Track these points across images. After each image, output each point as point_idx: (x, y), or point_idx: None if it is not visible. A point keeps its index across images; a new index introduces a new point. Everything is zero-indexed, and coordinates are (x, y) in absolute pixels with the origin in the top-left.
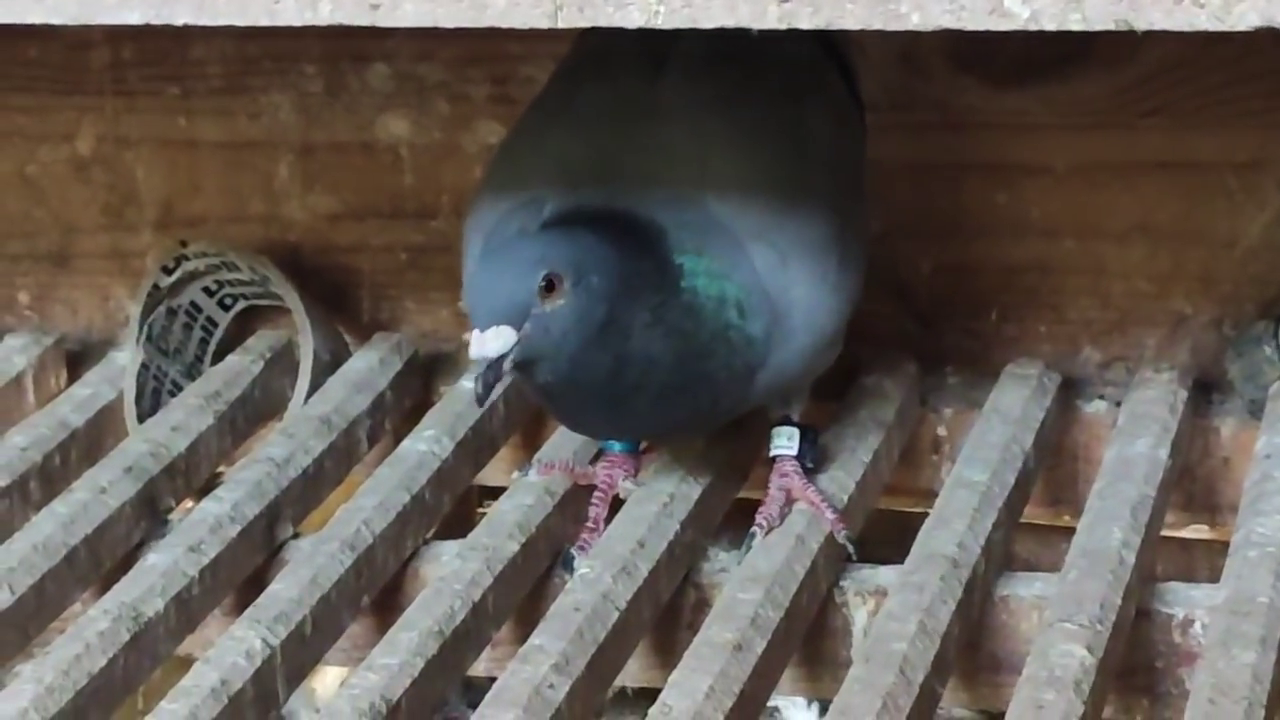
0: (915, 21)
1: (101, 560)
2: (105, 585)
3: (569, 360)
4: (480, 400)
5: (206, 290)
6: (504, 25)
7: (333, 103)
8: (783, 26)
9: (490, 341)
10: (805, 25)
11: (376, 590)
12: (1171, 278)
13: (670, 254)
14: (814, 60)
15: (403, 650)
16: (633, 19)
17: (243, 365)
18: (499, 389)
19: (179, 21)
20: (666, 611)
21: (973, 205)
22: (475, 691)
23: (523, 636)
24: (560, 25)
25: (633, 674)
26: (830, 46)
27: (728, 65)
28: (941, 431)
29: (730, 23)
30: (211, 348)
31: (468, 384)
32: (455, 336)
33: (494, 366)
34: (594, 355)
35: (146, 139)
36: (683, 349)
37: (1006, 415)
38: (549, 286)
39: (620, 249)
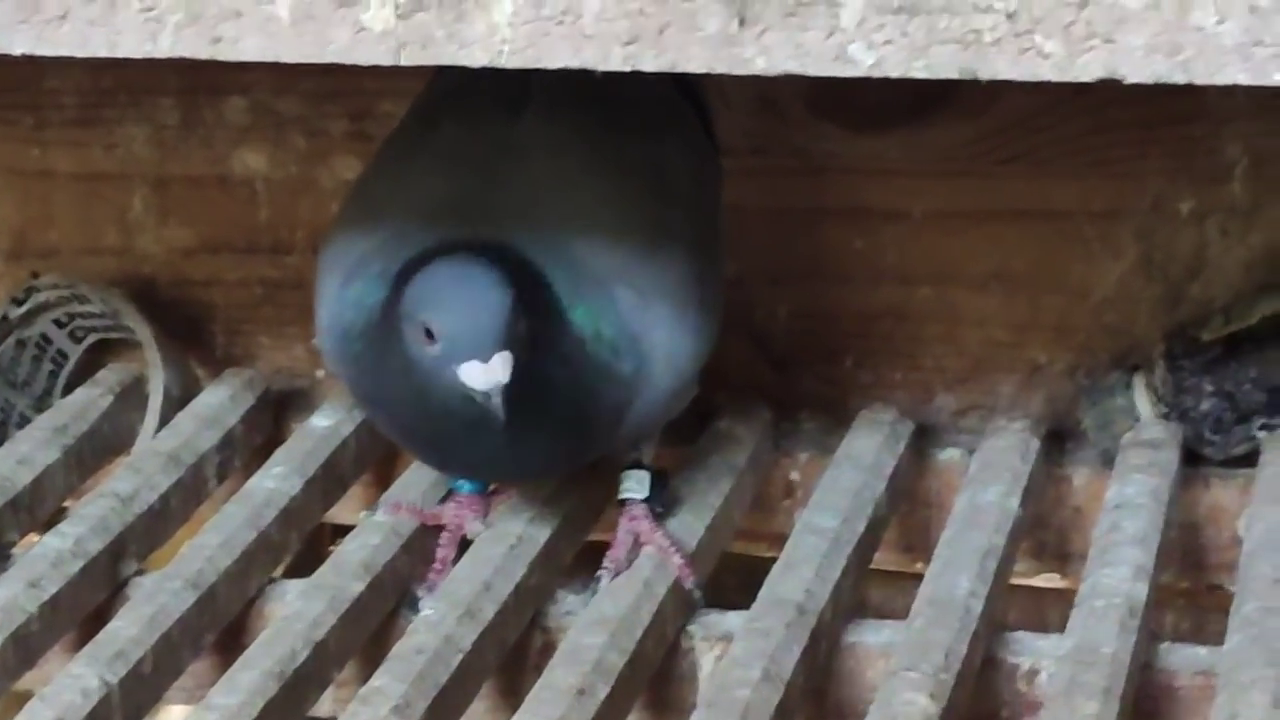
0: (760, 66)
1: None
2: None
3: (518, 388)
4: (502, 425)
5: (57, 322)
6: (346, 61)
7: (188, 135)
8: (627, 68)
9: (499, 369)
10: (649, 67)
11: (219, 629)
12: (1027, 326)
13: (552, 285)
14: (672, 100)
15: (242, 690)
16: (477, 58)
17: (91, 399)
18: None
19: (17, 51)
20: (512, 655)
21: (829, 250)
22: None
23: (366, 677)
24: (403, 63)
25: (476, 717)
26: (688, 88)
27: (588, 103)
28: (795, 477)
29: (575, 63)
30: (61, 380)
31: (320, 422)
32: (308, 372)
33: (505, 393)
34: (526, 385)
35: None
36: (573, 384)
37: (859, 461)
38: (516, 314)
39: (520, 277)
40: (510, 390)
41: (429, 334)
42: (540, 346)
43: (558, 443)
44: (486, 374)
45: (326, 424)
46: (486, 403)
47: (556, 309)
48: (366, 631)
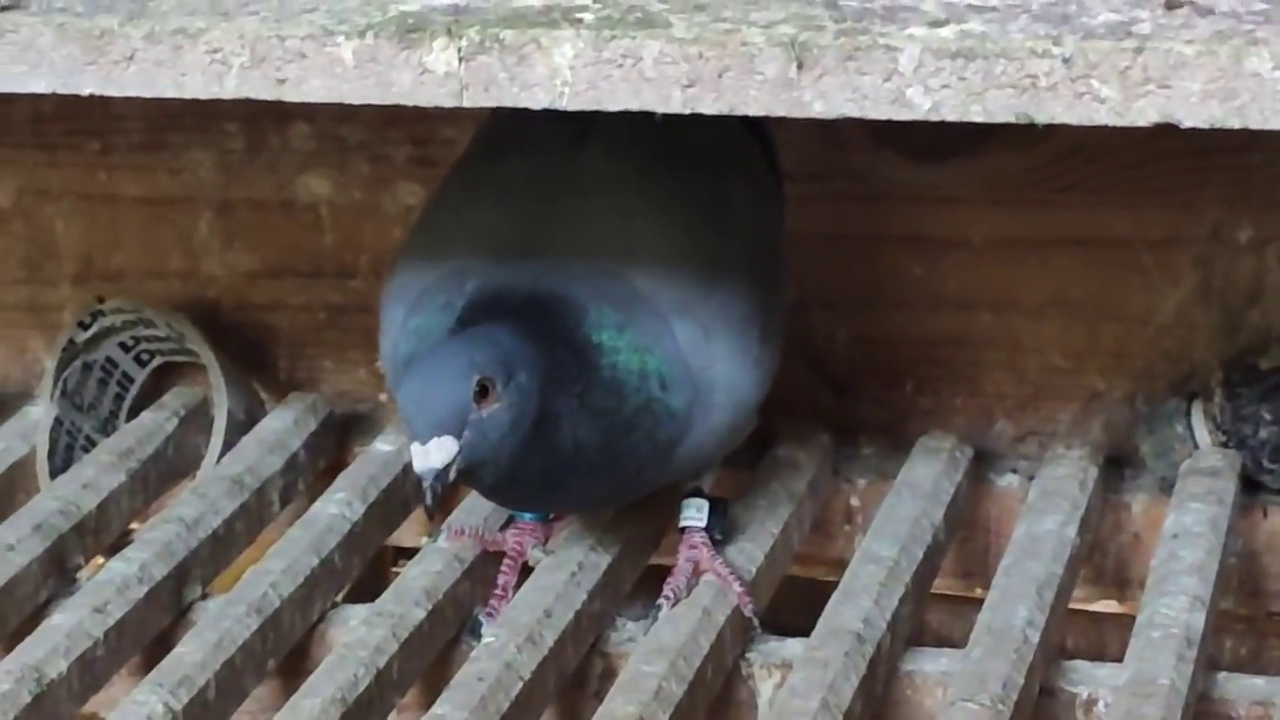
0: (818, 110)
1: (8, 619)
2: (11, 644)
3: (508, 459)
4: (431, 513)
5: (123, 346)
6: (409, 103)
7: (253, 160)
8: (687, 111)
9: (434, 453)
10: (709, 110)
11: (282, 654)
12: (1086, 353)
13: (589, 333)
14: (735, 132)
15: (305, 716)
16: (538, 100)
17: (157, 422)
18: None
19: (85, 91)
20: (572, 681)
21: (889, 277)
22: None
23: (427, 704)
24: (465, 105)
25: None
26: (749, 117)
27: (649, 137)
28: (854, 502)
29: (635, 105)
30: (127, 404)
31: (382, 446)
32: (372, 397)
33: (440, 476)
34: (529, 450)
35: (67, 193)
36: (608, 426)
37: (918, 489)
38: (483, 392)
39: (539, 340)
40: (449, 473)
41: None
42: (558, 398)
43: (598, 482)
44: (422, 457)
45: (389, 449)
46: (422, 484)
47: (591, 354)
48: (428, 658)
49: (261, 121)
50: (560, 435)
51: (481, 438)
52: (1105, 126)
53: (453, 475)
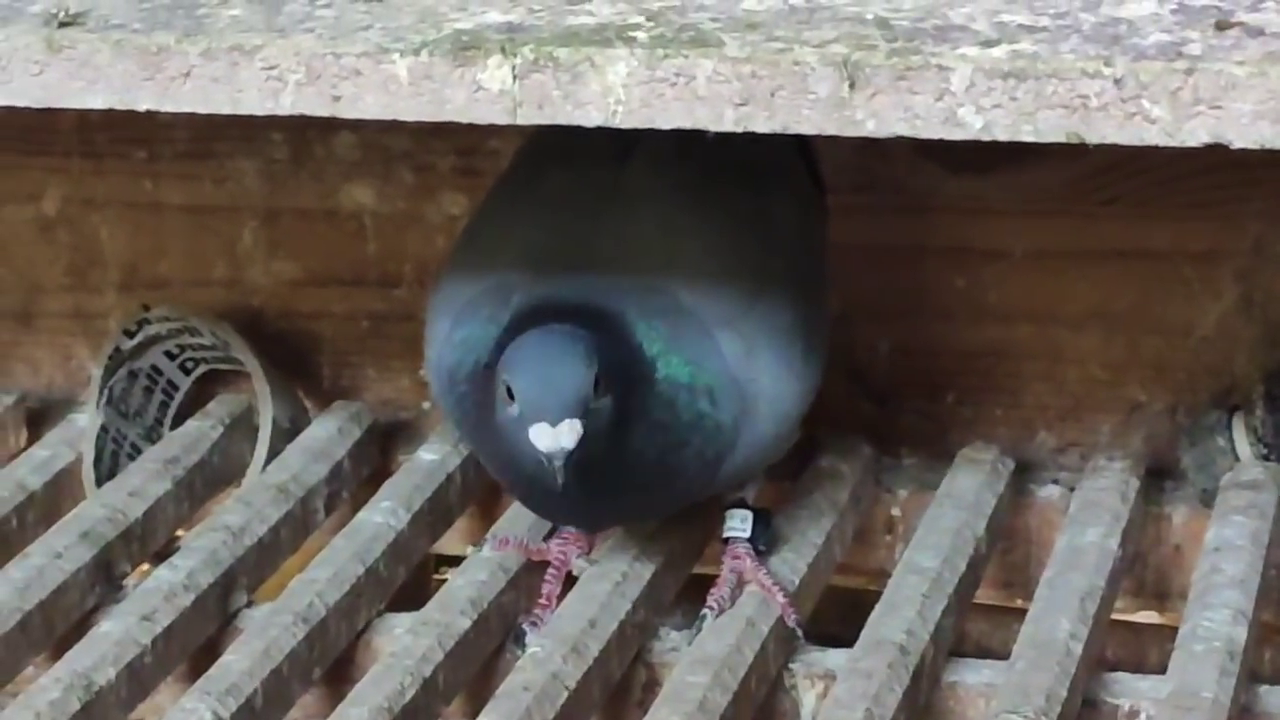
0: (870, 129)
1: (55, 626)
2: (59, 651)
3: (596, 453)
4: (564, 491)
5: (168, 354)
6: (463, 120)
7: (298, 170)
8: (739, 129)
9: (565, 435)
10: (761, 129)
11: (328, 663)
12: (1127, 365)
13: (641, 345)
14: (778, 146)
15: None
16: (591, 118)
17: (202, 430)
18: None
19: (142, 107)
20: (617, 691)
21: (931, 288)
22: None
23: (473, 713)
24: (519, 122)
25: None
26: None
27: (693, 151)
28: (896, 513)
29: (688, 124)
30: (172, 411)
31: (426, 455)
32: (415, 405)
33: (569, 457)
34: (606, 450)
35: (112, 201)
36: (663, 441)
37: (960, 500)
38: (596, 383)
39: (609, 344)
40: (572, 457)
41: (510, 394)
42: (624, 407)
43: (645, 495)
44: (553, 437)
45: (433, 457)
46: (550, 465)
47: (645, 368)
48: (474, 668)
49: (306, 131)
50: (621, 444)
51: (596, 427)
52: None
53: (572, 459)
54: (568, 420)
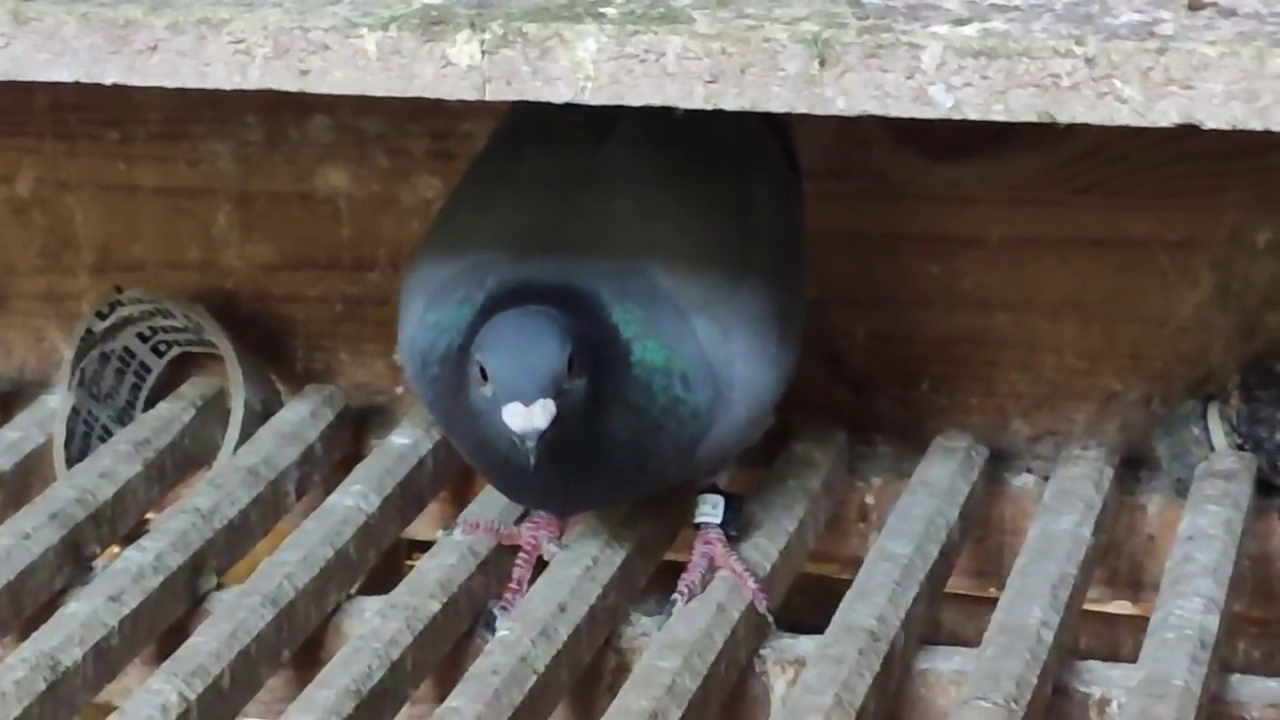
0: (840, 106)
1: (23, 606)
2: (25, 632)
3: (569, 435)
4: (533, 472)
5: (140, 336)
6: (431, 96)
7: (272, 152)
8: (709, 106)
9: (539, 415)
10: (731, 106)
11: (297, 645)
12: (1102, 354)
13: (617, 328)
14: (755, 131)
15: (319, 708)
16: (560, 94)
17: (174, 412)
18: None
19: (108, 81)
20: (586, 675)
21: (907, 275)
22: None
23: (441, 696)
24: (488, 98)
25: None
26: (770, 115)
27: (670, 135)
28: (869, 500)
29: (657, 101)
30: (144, 394)
31: (398, 440)
32: (388, 389)
33: (541, 438)
34: (579, 432)
35: (85, 183)
36: (636, 423)
37: (933, 487)
38: (570, 364)
39: (584, 326)
40: (545, 437)
41: (483, 374)
42: (599, 390)
43: (618, 479)
44: (526, 417)
45: (405, 442)
46: (523, 445)
47: (620, 350)
48: (442, 651)
49: (281, 113)
50: (596, 427)
51: (569, 408)
52: (1125, 127)
53: (545, 440)
54: (540, 400)
